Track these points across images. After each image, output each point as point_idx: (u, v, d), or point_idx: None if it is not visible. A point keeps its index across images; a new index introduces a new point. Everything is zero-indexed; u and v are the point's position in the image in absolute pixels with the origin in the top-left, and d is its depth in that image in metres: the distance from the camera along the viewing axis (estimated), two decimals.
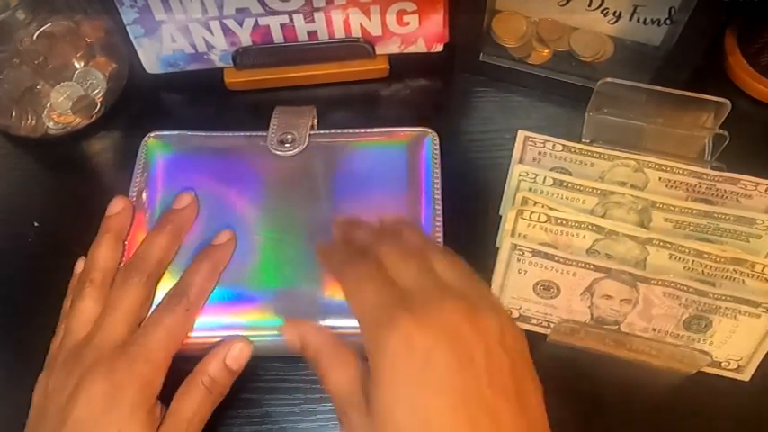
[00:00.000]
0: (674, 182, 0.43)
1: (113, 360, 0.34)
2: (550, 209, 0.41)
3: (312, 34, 0.49)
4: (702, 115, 0.46)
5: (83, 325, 0.37)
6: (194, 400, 0.35)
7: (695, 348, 0.40)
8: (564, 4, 0.49)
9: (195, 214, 0.41)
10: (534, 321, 0.42)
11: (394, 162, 0.43)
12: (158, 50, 0.49)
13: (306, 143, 0.44)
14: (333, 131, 0.45)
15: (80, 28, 0.50)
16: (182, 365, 0.36)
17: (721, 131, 0.44)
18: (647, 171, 0.43)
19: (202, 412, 0.36)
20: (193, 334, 0.38)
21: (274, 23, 0.48)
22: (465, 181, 0.47)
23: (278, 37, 0.49)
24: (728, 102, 0.44)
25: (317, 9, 0.47)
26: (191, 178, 0.42)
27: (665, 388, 0.41)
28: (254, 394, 0.41)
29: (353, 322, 0.35)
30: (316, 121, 0.46)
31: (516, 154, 0.45)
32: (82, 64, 0.51)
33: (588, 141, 0.46)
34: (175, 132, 0.45)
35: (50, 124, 0.50)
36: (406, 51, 0.50)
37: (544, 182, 0.43)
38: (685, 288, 0.38)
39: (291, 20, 0.47)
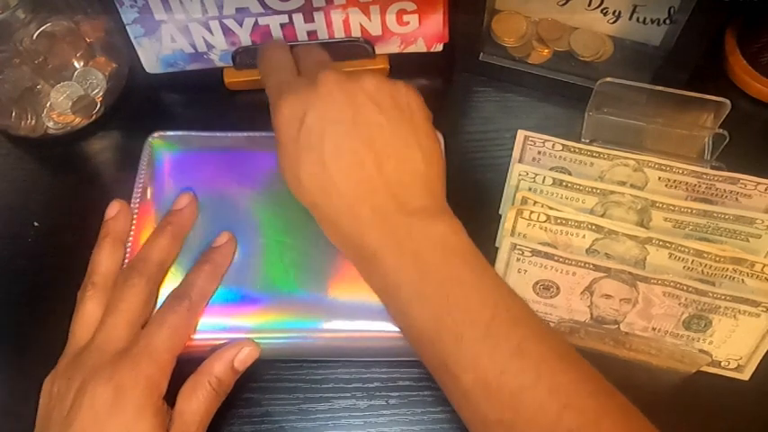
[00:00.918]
0: (674, 181, 0.43)
1: (116, 362, 0.34)
2: (550, 208, 0.41)
3: (312, 34, 0.49)
4: (702, 115, 0.46)
5: (86, 328, 0.37)
6: (202, 401, 0.35)
7: (695, 348, 0.40)
8: (563, 4, 0.49)
9: (195, 214, 0.41)
10: None
11: None
12: (158, 50, 0.49)
13: None
14: None
15: (80, 28, 0.50)
16: (182, 366, 0.36)
17: (721, 131, 0.44)
18: (646, 170, 0.44)
19: (210, 412, 0.36)
20: (197, 335, 0.37)
21: (274, 23, 0.48)
22: (465, 180, 0.47)
23: (278, 37, 0.49)
24: (728, 101, 0.44)
25: (317, 9, 0.47)
26: (197, 178, 0.42)
27: (664, 387, 0.41)
28: (254, 394, 0.41)
29: (358, 324, 0.35)
30: None
31: (516, 153, 0.45)
32: (82, 64, 0.51)
33: (588, 141, 0.46)
34: (179, 132, 0.45)
35: (50, 124, 0.50)
36: (405, 51, 0.50)
37: (544, 181, 0.43)
38: (685, 287, 0.38)
39: (291, 20, 0.47)
